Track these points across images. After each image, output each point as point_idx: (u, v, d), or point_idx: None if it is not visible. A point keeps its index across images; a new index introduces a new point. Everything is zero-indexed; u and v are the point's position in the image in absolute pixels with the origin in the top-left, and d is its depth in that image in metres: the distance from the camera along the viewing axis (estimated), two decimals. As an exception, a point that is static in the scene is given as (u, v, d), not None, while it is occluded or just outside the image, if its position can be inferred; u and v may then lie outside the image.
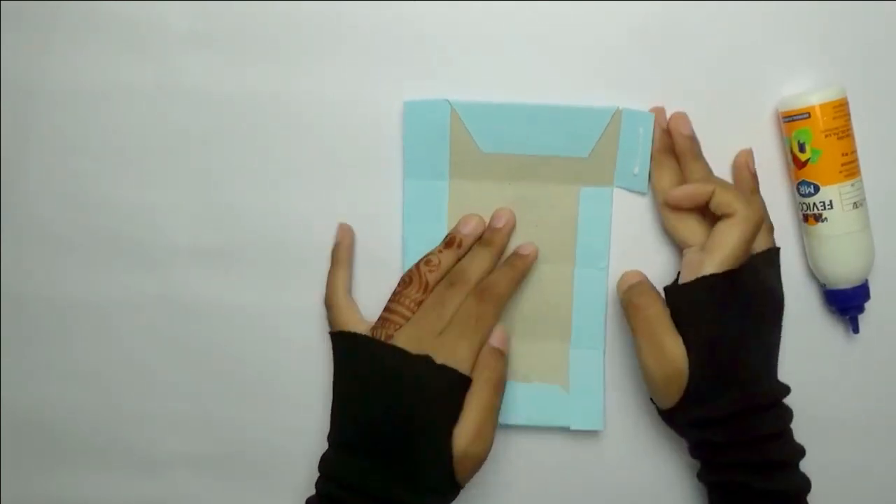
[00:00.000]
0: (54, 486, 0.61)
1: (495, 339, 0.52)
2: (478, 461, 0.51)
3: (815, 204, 0.52)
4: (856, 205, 0.52)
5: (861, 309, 0.54)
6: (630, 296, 0.52)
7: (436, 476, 0.50)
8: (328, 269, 0.57)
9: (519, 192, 0.56)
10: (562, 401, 0.57)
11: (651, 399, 0.54)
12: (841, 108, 0.51)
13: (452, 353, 0.50)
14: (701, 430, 0.51)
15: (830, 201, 0.52)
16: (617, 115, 0.54)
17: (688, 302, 0.50)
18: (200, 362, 0.59)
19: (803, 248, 0.55)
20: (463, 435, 0.49)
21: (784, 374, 0.53)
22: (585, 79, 0.55)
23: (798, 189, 0.53)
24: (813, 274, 0.55)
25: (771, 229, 0.54)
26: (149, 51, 0.57)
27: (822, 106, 0.51)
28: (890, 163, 0.55)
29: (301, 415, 0.58)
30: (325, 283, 0.57)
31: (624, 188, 0.56)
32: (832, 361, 0.57)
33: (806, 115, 0.51)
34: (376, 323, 0.53)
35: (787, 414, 0.51)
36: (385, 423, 0.50)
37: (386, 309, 0.53)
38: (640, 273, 0.54)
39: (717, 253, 0.50)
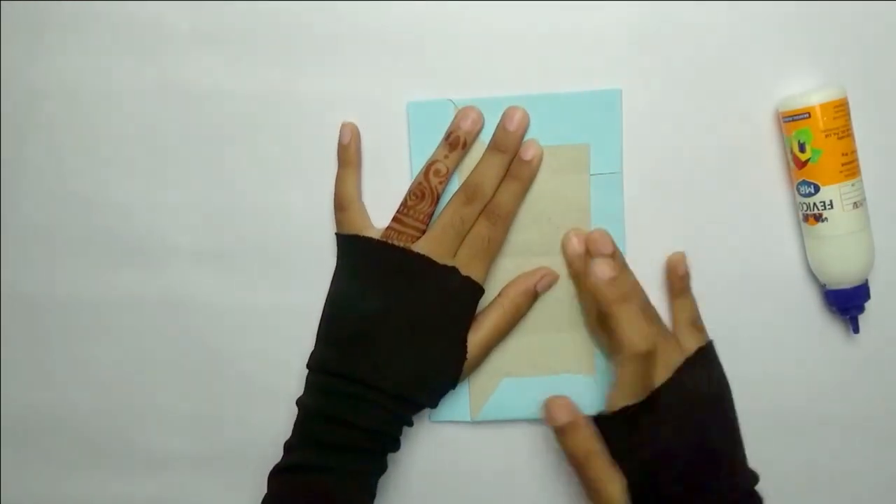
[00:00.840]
0: (54, 486, 0.61)
1: (541, 284, 0.55)
2: (472, 369, 0.55)
3: (815, 204, 0.52)
4: (856, 205, 0.52)
5: (861, 309, 0.54)
6: (567, 443, 0.51)
7: (447, 374, 0.53)
8: (336, 172, 0.56)
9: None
10: (590, 388, 0.57)
11: None
12: (841, 108, 0.51)
13: (470, 271, 0.53)
14: None
15: (831, 201, 0.52)
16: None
17: (615, 435, 0.50)
18: (201, 362, 0.59)
19: (803, 248, 0.55)
20: (474, 345, 0.54)
21: (784, 373, 0.53)
22: (585, 78, 0.55)
23: (798, 189, 0.53)
24: (813, 274, 0.55)
25: (700, 328, 0.54)
26: (149, 51, 0.57)
27: (823, 106, 0.51)
28: (890, 163, 0.55)
29: None
30: (327, 283, 0.57)
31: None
32: (832, 361, 0.57)
33: (806, 115, 0.51)
34: (387, 232, 0.54)
35: None
36: (404, 323, 0.52)
37: (396, 220, 0.54)
38: (566, 406, 0.51)
39: (617, 389, 0.50)
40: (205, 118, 0.57)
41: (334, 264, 0.57)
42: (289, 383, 0.58)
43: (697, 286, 0.55)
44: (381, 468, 0.53)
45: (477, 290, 0.53)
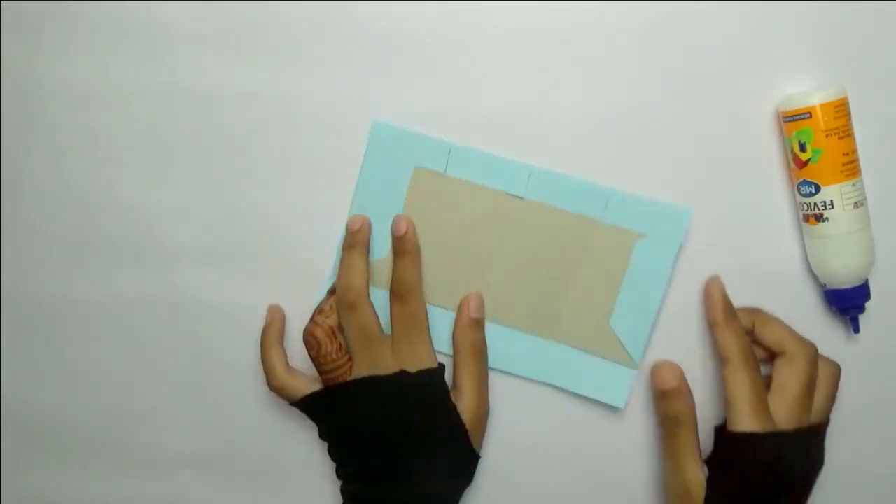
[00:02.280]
0: (54, 486, 0.61)
1: (472, 310, 0.55)
2: (485, 420, 0.55)
3: (815, 204, 0.52)
4: (856, 204, 0.52)
5: (861, 309, 0.54)
6: (665, 407, 0.52)
7: (459, 456, 0.54)
8: (260, 352, 0.57)
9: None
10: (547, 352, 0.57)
11: None
12: (842, 108, 0.51)
13: (418, 360, 0.53)
14: None
15: (831, 201, 0.52)
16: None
17: (731, 448, 0.51)
18: (202, 362, 0.59)
19: (803, 248, 0.55)
20: (468, 407, 0.53)
21: None
22: (585, 79, 0.55)
23: (798, 189, 0.53)
24: (813, 274, 0.55)
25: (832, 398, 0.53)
26: (149, 51, 0.56)
27: (823, 106, 0.51)
28: (890, 163, 0.55)
29: (302, 415, 0.57)
30: (323, 286, 0.57)
31: None
32: None
33: (807, 114, 0.51)
34: (326, 384, 0.54)
35: None
36: (395, 444, 0.53)
37: (321, 374, 0.54)
38: (675, 371, 0.52)
39: (779, 396, 0.50)
40: (205, 118, 0.57)
41: (334, 264, 0.57)
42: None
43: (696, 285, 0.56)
44: None
45: (435, 372, 0.53)
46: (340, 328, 0.54)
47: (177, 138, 0.57)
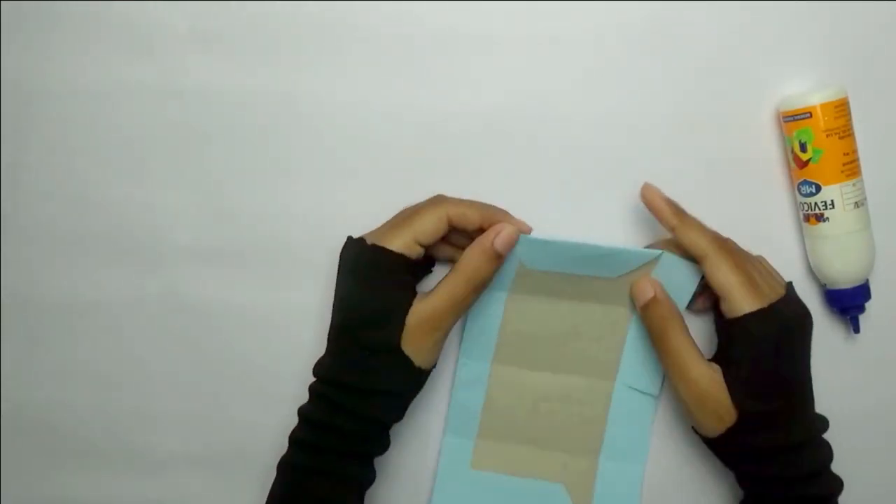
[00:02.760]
0: (54, 486, 0.61)
1: (499, 240, 0.50)
2: (432, 335, 0.51)
3: (816, 204, 0.52)
4: (857, 204, 0.52)
5: (862, 309, 0.54)
6: (651, 315, 0.52)
7: (383, 340, 0.50)
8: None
9: (571, 309, 0.55)
10: (557, 495, 0.57)
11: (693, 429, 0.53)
12: (842, 108, 0.51)
13: (382, 237, 0.51)
14: (745, 462, 0.51)
15: (832, 201, 0.52)
16: (658, 258, 0.52)
17: (740, 334, 0.49)
18: (201, 362, 0.59)
19: (803, 248, 0.55)
20: (417, 312, 0.50)
21: None
22: (585, 79, 0.55)
23: (799, 189, 0.53)
24: (813, 274, 0.55)
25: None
26: (149, 51, 0.57)
27: (824, 105, 0.51)
28: (890, 163, 0.55)
29: None
30: (326, 283, 0.56)
31: None
32: (832, 361, 0.57)
33: (807, 114, 0.51)
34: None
35: (829, 448, 0.51)
36: (343, 304, 0.52)
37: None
38: (653, 285, 0.52)
39: (732, 292, 0.49)
40: (204, 118, 0.57)
41: (334, 264, 0.57)
42: (288, 383, 0.57)
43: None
44: (372, 475, 0.54)
45: (385, 254, 0.51)
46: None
47: (177, 138, 0.57)
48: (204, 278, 0.59)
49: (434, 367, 0.53)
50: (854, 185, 0.52)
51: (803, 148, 0.52)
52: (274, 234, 0.58)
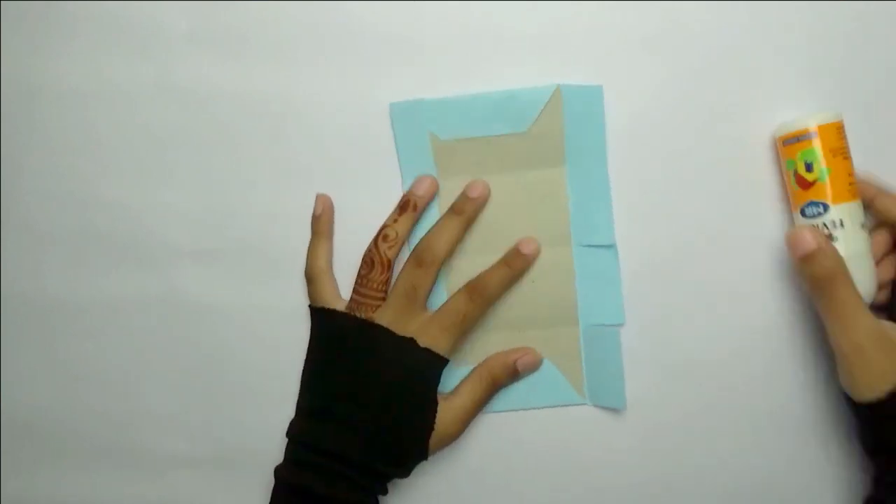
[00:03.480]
0: (54, 486, 0.61)
1: (522, 362, 0.55)
2: (451, 441, 0.54)
3: (824, 224, 0.51)
4: (862, 226, 0.51)
5: None
6: (812, 269, 0.47)
7: (412, 449, 0.53)
8: (308, 243, 0.57)
9: (503, 183, 0.55)
10: (576, 381, 0.57)
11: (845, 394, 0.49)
12: (840, 131, 0.50)
13: (435, 342, 0.52)
14: None
15: (841, 220, 0.50)
16: (557, 91, 0.53)
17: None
18: (201, 362, 0.59)
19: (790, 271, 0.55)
20: (448, 416, 0.53)
21: (780, 378, 0.54)
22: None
23: (803, 212, 0.52)
24: (808, 303, 0.54)
25: None
26: (148, 51, 0.56)
27: (825, 126, 0.50)
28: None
29: None
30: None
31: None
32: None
33: (811, 134, 0.50)
34: (350, 304, 0.54)
35: None
36: (365, 395, 0.52)
37: (355, 292, 0.54)
38: (814, 235, 0.47)
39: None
40: (204, 118, 0.57)
41: (334, 264, 0.57)
42: (288, 384, 0.58)
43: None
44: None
45: (438, 361, 0.52)
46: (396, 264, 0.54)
47: (176, 138, 0.57)
48: (204, 279, 0.58)
49: None
50: (858, 205, 0.51)
51: (809, 168, 0.50)
52: (274, 234, 0.57)
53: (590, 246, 0.55)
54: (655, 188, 0.55)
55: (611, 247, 0.55)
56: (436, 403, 0.53)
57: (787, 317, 0.55)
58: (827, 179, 0.50)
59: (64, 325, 0.60)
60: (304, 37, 0.55)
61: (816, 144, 0.50)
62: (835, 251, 0.47)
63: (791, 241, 0.47)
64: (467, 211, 0.54)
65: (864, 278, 0.51)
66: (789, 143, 0.51)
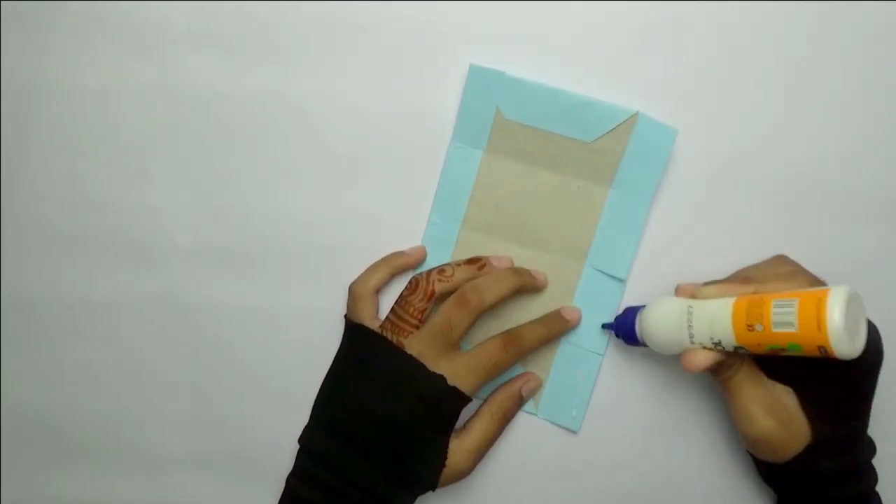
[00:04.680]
0: (54, 486, 0.61)
1: (526, 389, 0.56)
2: (462, 477, 0.54)
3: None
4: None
5: None
6: (722, 380, 0.49)
7: (424, 480, 0.52)
8: (372, 264, 0.57)
9: (545, 180, 0.55)
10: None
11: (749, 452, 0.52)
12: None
13: (462, 382, 0.51)
14: (808, 486, 0.50)
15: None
16: (634, 117, 0.53)
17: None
18: (201, 362, 0.59)
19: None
20: (461, 452, 0.53)
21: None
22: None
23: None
24: None
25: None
26: (149, 51, 0.57)
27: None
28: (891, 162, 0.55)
29: (302, 415, 0.57)
30: (327, 283, 0.57)
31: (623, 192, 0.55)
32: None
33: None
34: (384, 323, 0.53)
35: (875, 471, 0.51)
36: (383, 421, 0.51)
37: (392, 312, 0.53)
38: (705, 355, 0.48)
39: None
40: (204, 118, 0.57)
41: (334, 264, 0.57)
42: (288, 384, 0.58)
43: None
44: None
45: (462, 400, 0.52)
46: (439, 298, 0.53)
47: (176, 138, 0.57)
48: (203, 278, 0.59)
49: None
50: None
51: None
52: (274, 234, 0.58)
53: (601, 272, 0.55)
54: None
55: (621, 281, 0.55)
56: (448, 440, 0.53)
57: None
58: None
59: (64, 324, 0.60)
60: (304, 37, 0.56)
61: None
62: (728, 361, 0.48)
63: (685, 363, 0.49)
64: (523, 277, 0.54)
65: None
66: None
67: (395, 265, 0.56)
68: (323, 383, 0.55)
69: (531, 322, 0.55)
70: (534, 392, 0.56)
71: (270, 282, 0.58)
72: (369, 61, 0.56)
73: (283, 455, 0.59)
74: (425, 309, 0.53)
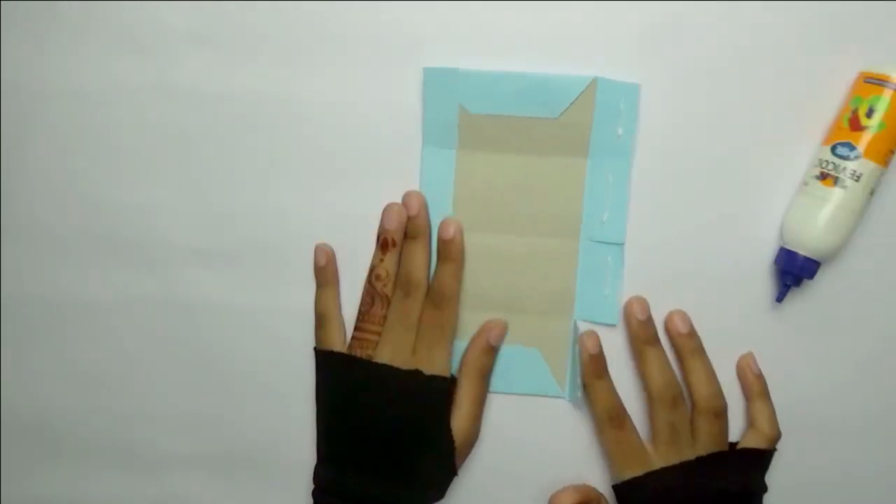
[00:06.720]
0: (54, 486, 0.61)
1: (492, 336, 0.55)
2: (473, 444, 0.56)
3: (844, 168, 0.49)
4: (872, 192, 0.50)
5: (798, 282, 0.53)
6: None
7: (440, 469, 0.54)
8: (315, 288, 0.57)
9: (523, 164, 0.55)
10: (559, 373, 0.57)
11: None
12: None
13: (431, 364, 0.53)
14: None
15: (860, 174, 0.49)
16: (593, 83, 0.53)
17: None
18: (200, 362, 0.59)
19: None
20: (461, 426, 0.54)
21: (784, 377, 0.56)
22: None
23: (834, 148, 0.50)
24: (775, 232, 0.54)
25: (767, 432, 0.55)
26: (149, 51, 0.56)
27: None
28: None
29: (300, 415, 0.58)
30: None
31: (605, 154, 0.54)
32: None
33: (891, 85, 0.49)
34: (351, 343, 0.55)
35: None
36: (382, 434, 0.53)
37: (357, 329, 0.55)
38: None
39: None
40: (204, 118, 0.57)
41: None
42: (288, 384, 0.58)
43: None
44: None
45: (444, 384, 0.53)
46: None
47: (176, 138, 0.57)
48: (202, 279, 0.58)
49: None
50: (882, 173, 0.50)
51: (869, 114, 0.49)
52: (272, 234, 0.57)
53: (597, 241, 0.55)
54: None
55: (618, 245, 0.55)
56: (449, 424, 0.53)
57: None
58: (876, 134, 0.49)
59: (64, 324, 0.59)
60: (303, 37, 0.55)
61: (888, 95, 0.49)
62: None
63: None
64: (422, 235, 0.55)
65: (840, 235, 0.51)
66: (868, 82, 0.50)
67: (330, 280, 0.56)
68: (317, 421, 0.57)
69: (436, 270, 0.54)
70: (501, 337, 0.55)
71: (271, 282, 0.58)
72: (368, 61, 0.56)
73: (283, 455, 0.59)
74: (385, 314, 0.54)
